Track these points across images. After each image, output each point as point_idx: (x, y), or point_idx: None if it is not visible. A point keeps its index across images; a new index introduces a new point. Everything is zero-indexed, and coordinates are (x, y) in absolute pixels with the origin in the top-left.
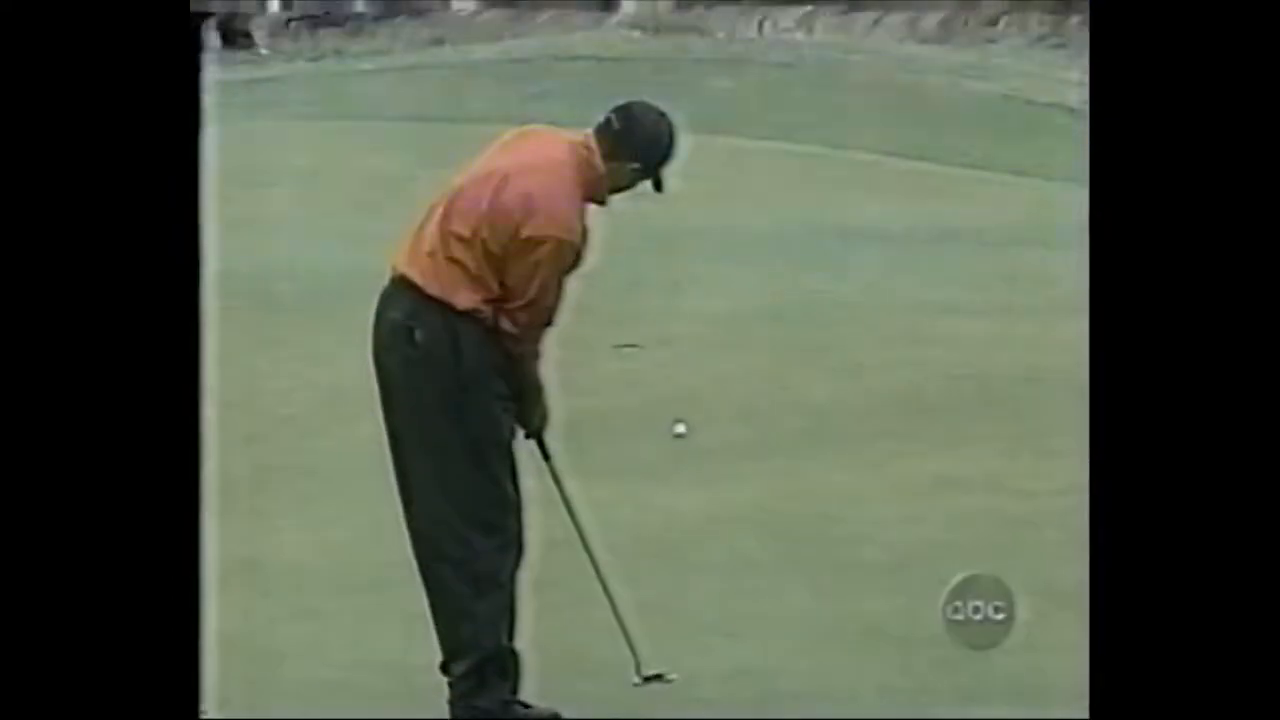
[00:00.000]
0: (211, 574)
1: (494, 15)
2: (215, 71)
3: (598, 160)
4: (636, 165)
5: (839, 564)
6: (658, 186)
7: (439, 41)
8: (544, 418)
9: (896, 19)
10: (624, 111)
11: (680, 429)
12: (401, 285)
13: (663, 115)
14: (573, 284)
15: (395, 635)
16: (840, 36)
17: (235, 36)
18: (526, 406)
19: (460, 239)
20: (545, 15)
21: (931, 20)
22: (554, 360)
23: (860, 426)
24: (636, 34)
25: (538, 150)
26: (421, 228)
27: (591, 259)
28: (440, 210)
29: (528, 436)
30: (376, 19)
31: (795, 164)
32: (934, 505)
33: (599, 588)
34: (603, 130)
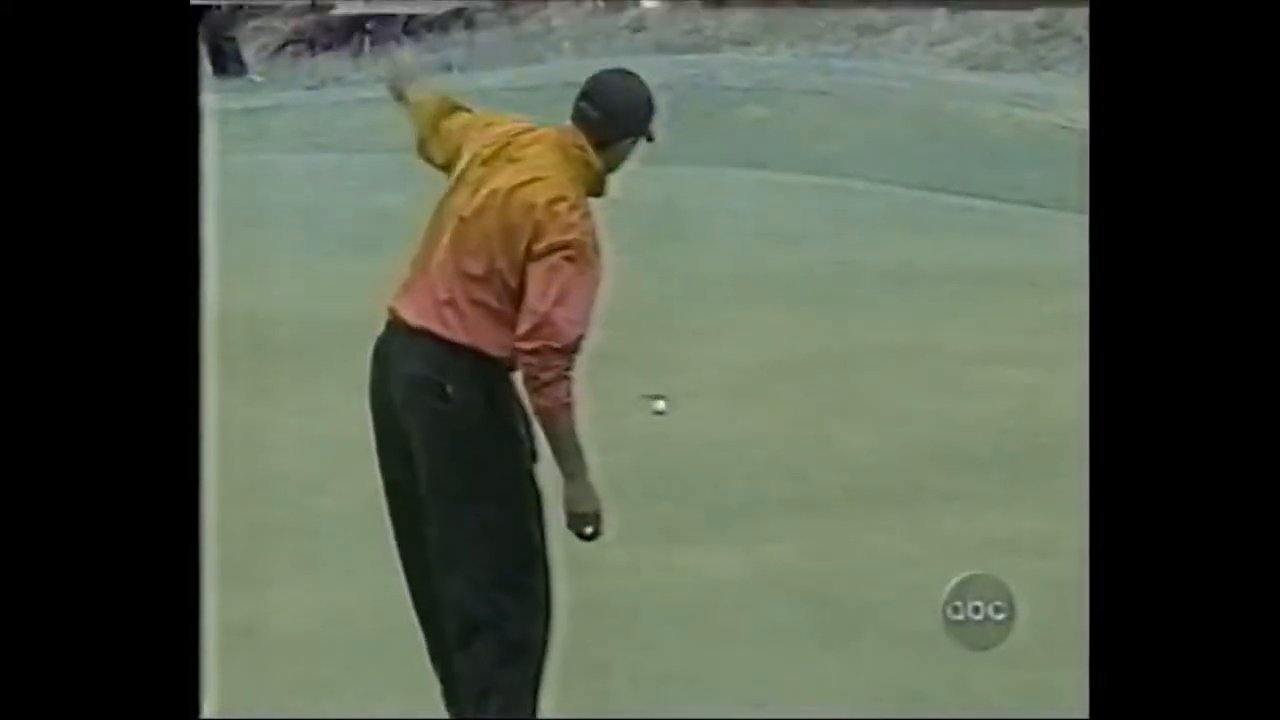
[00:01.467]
0: (207, 643)
1: (504, 38)
2: (205, 100)
3: (591, 155)
4: (630, 138)
5: (879, 631)
6: (649, 138)
7: (446, 68)
8: (596, 507)
9: (944, 44)
10: (594, 95)
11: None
12: (419, 336)
13: (628, 74)
14: (595, 331)
15: (403, 709)
16: (883, 62)
17: (227, 62)
18: (571, 494)
19: (476, 279)
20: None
21: (980, 44)
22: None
23: (902, 483)
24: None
25: (533, 160)
26: (423, 271)
27: (615, 303)
28: (447, 250)
29: (581, 536)
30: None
31: (834, 200)
32: (982, 568)
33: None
34: (582, 120)
